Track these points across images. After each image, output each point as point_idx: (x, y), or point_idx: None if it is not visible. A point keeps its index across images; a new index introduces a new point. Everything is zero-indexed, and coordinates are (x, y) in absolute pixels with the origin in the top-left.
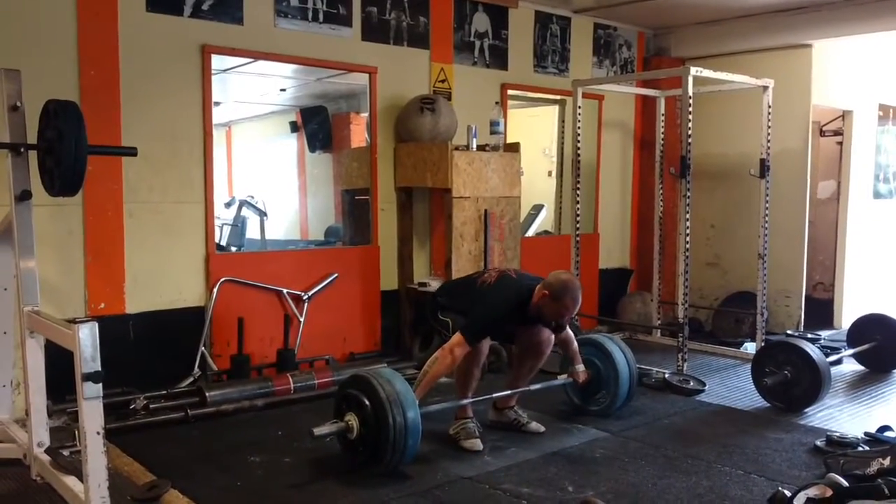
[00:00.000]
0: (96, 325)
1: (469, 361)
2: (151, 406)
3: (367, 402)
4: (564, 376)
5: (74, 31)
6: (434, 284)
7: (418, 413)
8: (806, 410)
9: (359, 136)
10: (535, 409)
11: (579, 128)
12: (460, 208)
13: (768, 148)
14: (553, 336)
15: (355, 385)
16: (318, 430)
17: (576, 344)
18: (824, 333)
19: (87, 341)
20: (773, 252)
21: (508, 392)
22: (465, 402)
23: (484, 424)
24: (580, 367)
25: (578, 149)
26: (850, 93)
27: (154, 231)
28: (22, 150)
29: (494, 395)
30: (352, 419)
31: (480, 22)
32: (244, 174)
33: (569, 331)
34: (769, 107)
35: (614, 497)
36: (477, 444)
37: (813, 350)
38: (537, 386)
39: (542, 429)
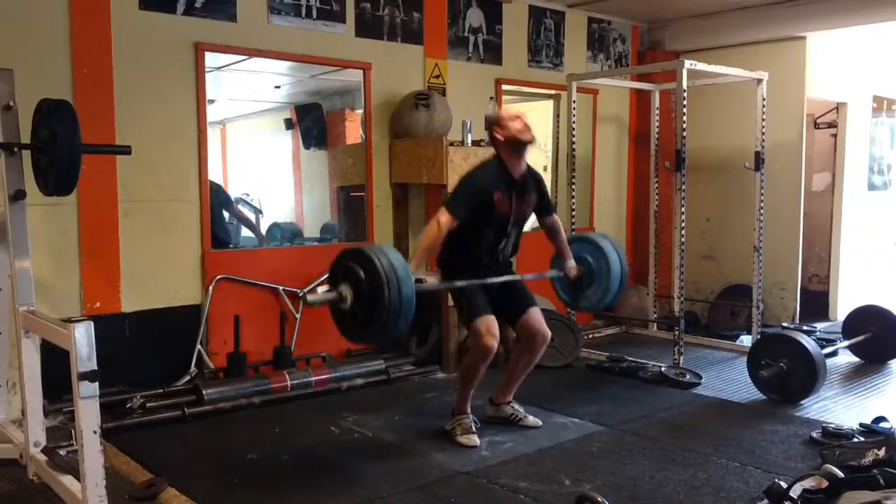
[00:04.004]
0: (92, 324)
1: (477, 358)
2: (148, 405)
3: (362, 274)
4: (555, 271)
5: (67, 30)
6: (430, 280)
7: (410, 275)
8: (802, 402)
9: (354, 132)
10: (532, 403)
11: (574, 122)
12: None
13: (763, 141)
14: (549, 333)
15: (352, 258)
16: (311, 297)
17: (564, 234)
18: (820, 325)
19: (82, 340)
20: (768, 245)
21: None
22: (464, 396)
23: (481, 420)
24: (571, 263)
25: (573, 143)
26: (844, 85)
27: (149, 229)
28: (15, 149)
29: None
30: (346, 289)
31: (474, 17)
32: (239, 172)
33: (556, 218)
34: (763, 99)
35: (611, 490)
36: (473, 439)
37: (808, 342)
38: (530, 276)
39: (539, 423)
